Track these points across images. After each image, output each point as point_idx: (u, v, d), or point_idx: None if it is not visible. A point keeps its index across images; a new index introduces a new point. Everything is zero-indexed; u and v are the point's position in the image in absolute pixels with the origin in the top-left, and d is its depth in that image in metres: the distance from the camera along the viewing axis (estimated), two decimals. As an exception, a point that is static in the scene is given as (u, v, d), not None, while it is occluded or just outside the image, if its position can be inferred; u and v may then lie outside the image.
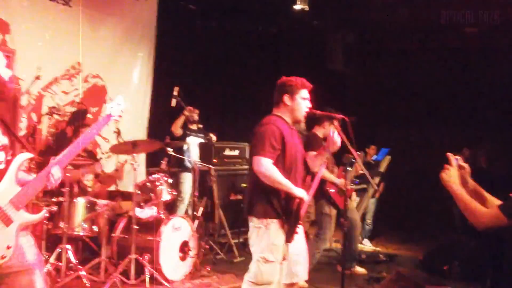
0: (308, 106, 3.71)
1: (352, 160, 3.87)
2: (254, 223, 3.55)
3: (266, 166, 3.43)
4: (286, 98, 3.65)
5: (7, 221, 2.64)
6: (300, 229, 3.61)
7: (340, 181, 5.22)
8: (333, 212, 5.40)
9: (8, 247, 2.63)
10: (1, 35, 5.60)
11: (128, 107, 7.27)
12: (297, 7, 7.70)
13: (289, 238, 3.51)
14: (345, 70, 9.69)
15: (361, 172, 5.99)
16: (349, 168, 5.07)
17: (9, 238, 2.64)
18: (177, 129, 6.82)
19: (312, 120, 5.27)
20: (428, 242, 6.54)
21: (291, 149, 3.57)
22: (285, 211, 3.46)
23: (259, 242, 3.51)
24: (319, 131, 5.31)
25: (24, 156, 2.78)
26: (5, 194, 2.66)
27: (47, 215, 3.09)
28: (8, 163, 2.74)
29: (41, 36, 6.03)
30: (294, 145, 3.63)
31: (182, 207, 7.02)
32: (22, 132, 5.99)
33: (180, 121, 6.82)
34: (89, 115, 6.80)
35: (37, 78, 5.59)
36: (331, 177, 5.24)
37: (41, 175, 2.78)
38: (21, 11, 5.78)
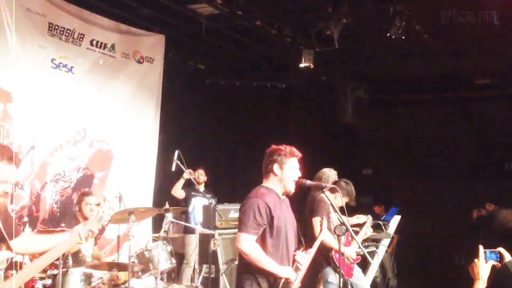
0: (299, 175, 3.63)
1: (344, 230, 3.73)
2: None
3: (247, 245, 3.36)
4: (275, 167, 3.58)
5: None
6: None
7: (344, 249, 5.00)
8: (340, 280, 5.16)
9: None
10: (2, 104, 5.65)
11: (134, 172, 7.27)
12: (303, 65, 7.70)
13: None
14: (357, 123, 9.57)
15: (369, 234, 5.80)
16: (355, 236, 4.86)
17: None
18: (177, 192, 6.76)
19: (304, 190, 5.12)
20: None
21: (279, 221, 3.48)
22: None
23: None
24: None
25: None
26: None
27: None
28: None
29: (45, 103, 6.08)
30: (283, 217, 3.53)
31: (188, 271, 6.88)
32: (24, 201, 5.96)
33: (179, 184, 6.79)
34: (95, 180, 6.81)
35: (32, 148, 5.61)
36: (335, 244, 5.02)
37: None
38: (24, 79, 5.85)
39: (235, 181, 8.49)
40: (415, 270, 8.82)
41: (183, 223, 6.44)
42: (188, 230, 6.91)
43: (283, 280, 3.33)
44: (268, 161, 3.63)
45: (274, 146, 3.68)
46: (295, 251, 3.57)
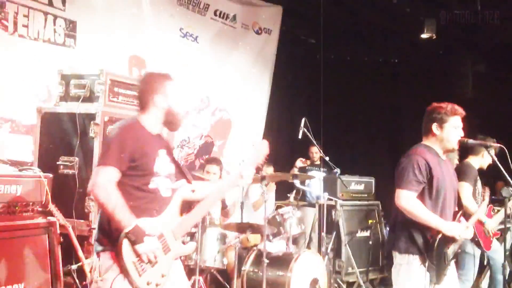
0: (461, 135, 3.44)
1: (511, 191, 3.49)
2: (396, 259, 3.35)
3: (408, 201, 3.22)
4: (434, 127, 3.41)
5: (166, 250, 2.67)
6: (450, 271, 3.32)
7: (487, 221, 4.78)
8: (477, 252, 4.93)
9: (163, 275, 2.63)
10: (137, 70, 5.87)
11: (246, 142, 7.36)
12: (424, 35, 7.39)
13: (437, 279, 3.21)
14: (475, 96, 9.06)
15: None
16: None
17: (165, 266, 2.65)
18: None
19: (465, 150, 4.90)
20: None
21: (438, 181, 3.31)
22: (427, 247, 3.18)
23: (400, 279, 3.30)
24: (474, 161, 4.93)
25: (189, 188, 2.89)
26: (168, 222, 2.72)
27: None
28: (173, 191, 2.82)
29: (173, 71, 6.21)
30: (442, 177, 3.36)
31: (302, 242, 6.84)
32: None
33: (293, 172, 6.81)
34: (215, 148, 6.94)
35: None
36: (479, 214, 4.77)
37: (199, 208, 2.86)
38: (156, 47, 6.04)
39: (352, 155, 8.35)
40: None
41: (306, 188, 6.39)
42: (305, 203, 6.87)
43: (439, 236, 3.17)
44: (427, 119, 3.45)
45: (434, 104, 3.48)
46: (455, 215, 3.40)
